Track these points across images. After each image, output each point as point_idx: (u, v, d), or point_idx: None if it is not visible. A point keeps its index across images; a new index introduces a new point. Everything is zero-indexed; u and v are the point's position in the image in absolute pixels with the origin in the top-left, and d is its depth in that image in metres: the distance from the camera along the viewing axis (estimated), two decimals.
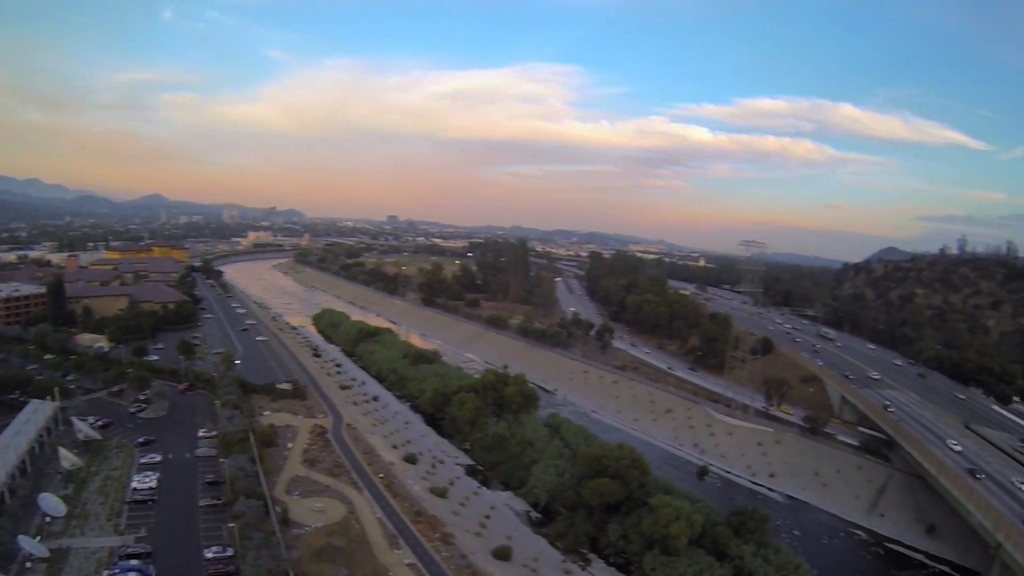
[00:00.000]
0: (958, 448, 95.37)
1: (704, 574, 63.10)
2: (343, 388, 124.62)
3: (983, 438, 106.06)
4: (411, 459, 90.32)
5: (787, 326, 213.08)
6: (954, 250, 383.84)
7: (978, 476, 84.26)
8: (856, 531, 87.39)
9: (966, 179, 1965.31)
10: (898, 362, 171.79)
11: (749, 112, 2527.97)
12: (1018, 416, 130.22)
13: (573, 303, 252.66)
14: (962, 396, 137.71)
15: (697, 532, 65.59)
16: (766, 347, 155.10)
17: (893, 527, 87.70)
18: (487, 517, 76.09)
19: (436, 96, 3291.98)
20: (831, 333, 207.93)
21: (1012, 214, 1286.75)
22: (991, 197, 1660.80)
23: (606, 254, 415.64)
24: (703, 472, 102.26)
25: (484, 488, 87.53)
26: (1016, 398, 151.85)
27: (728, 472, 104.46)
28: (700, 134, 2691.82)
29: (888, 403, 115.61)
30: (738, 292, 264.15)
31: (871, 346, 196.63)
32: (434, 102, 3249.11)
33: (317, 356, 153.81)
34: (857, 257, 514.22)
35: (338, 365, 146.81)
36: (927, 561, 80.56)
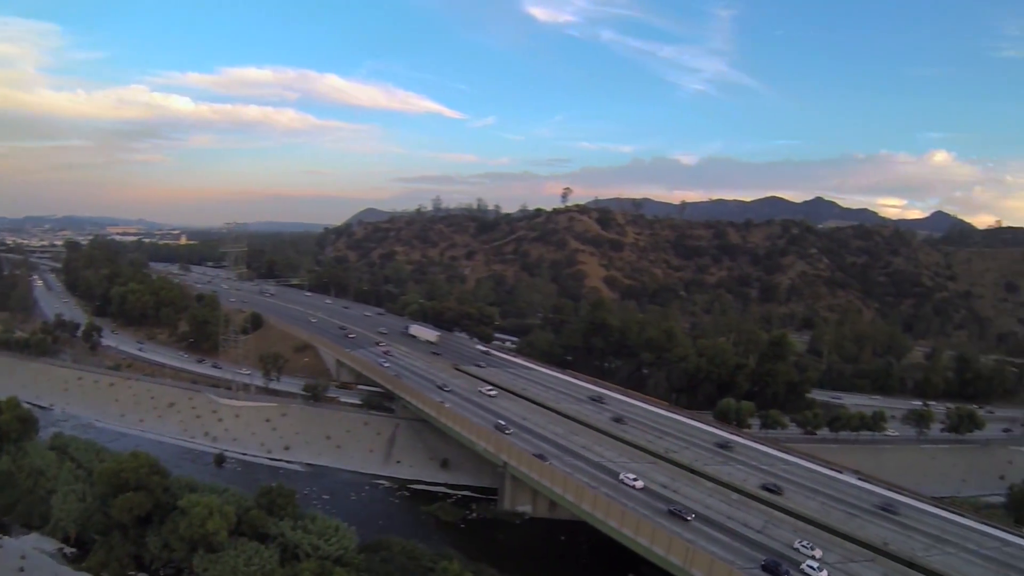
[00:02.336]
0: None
1: (254, 560, 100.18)
2: None
3: (471, 376, 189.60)
4: None
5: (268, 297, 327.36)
6: (430, 208, 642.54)
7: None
8: (379, 481, 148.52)
9: (442, 143, 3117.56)
10: (390, 320, 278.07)
11: (234, 81, 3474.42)
12: (500, 351, 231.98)
13: (55, 302, 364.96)
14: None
15: (233, 522, 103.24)
16: (256, 322, 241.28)
17: (411, 470, 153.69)
18: (21, 570, 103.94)
19: None
20: (271, 289, 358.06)
21: (482, 173, 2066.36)
22: (464, 159, 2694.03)
23: (84, 241, 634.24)
24: (220, 460, 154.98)
25: (6, 537, 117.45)
26: (497, 335, 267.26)
27: (244, 454, 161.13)
28: (182, 104, 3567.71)
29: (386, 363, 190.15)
30: (222, 268, 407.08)
31: (368, 312, 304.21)
32: None
33: None
34: (339, 220, 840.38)
35: None
36: (450, 491, 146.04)
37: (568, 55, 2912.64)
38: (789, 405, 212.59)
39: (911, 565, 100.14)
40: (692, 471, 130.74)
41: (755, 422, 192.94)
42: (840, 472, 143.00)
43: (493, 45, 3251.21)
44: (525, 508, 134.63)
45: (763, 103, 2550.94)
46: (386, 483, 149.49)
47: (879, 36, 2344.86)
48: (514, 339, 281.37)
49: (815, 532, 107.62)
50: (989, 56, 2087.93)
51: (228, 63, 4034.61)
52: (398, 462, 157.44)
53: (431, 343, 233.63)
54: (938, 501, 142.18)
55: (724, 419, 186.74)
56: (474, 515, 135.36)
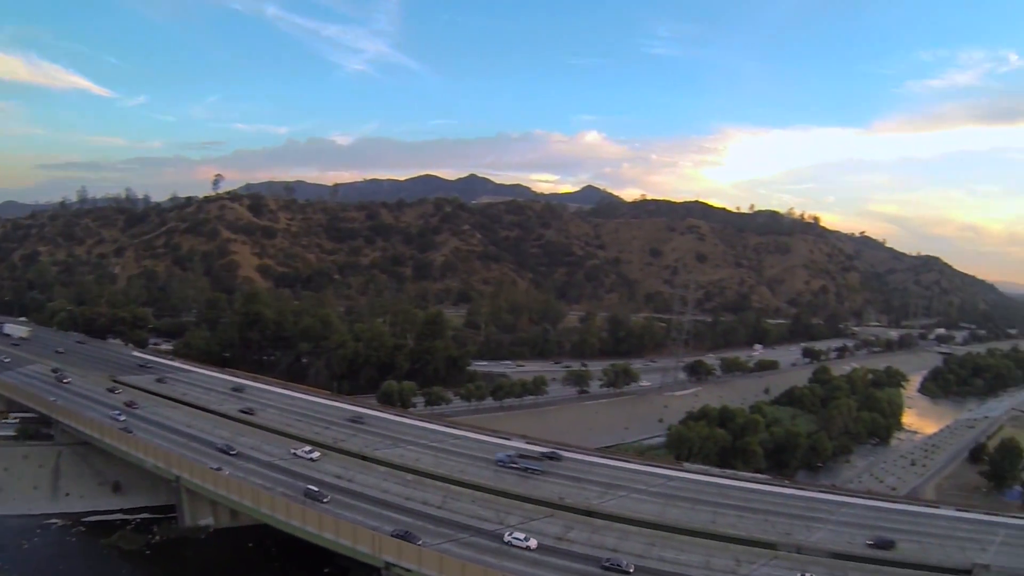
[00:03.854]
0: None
1: None
2: None
3: (131, 386, 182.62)
4: None
5: None
6: (75, 200, 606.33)
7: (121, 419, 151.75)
8: (52, 521, 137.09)
9: (89, 124, 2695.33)
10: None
11: None
12: (157, 355, 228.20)
13: None
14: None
15: None
16: None
17: (82, 501, 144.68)
18: None
19: None
20: None
21: (132, 158, 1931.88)
22: (113, 142, 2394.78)
23: None
24: None
25: None
26: (153, 339, 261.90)
27: None
28: None
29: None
30: None
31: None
32: None
33: None
34: None
35: None
36: (128, 517, 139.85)
37: (229, 30, 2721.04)
38: (451, 380, 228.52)
39: (590, 513, 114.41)
40: (363, 457, 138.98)
41: (419, 400, 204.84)
42: (509, 439, 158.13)
43: (150, 14, 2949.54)
44: (207, 521, 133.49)
45: (422, 84, 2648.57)
46: (59, 521, 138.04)
47: (540, 27, 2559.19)
48: (171, 340, 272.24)
49: (493, 499, 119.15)
50: (641, 52, 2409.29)
51: None
52: (67, 495, 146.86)
53: (23, 338, 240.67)
54: (604, 451, 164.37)
55: (388, 401, 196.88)
56: (157, 538, 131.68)
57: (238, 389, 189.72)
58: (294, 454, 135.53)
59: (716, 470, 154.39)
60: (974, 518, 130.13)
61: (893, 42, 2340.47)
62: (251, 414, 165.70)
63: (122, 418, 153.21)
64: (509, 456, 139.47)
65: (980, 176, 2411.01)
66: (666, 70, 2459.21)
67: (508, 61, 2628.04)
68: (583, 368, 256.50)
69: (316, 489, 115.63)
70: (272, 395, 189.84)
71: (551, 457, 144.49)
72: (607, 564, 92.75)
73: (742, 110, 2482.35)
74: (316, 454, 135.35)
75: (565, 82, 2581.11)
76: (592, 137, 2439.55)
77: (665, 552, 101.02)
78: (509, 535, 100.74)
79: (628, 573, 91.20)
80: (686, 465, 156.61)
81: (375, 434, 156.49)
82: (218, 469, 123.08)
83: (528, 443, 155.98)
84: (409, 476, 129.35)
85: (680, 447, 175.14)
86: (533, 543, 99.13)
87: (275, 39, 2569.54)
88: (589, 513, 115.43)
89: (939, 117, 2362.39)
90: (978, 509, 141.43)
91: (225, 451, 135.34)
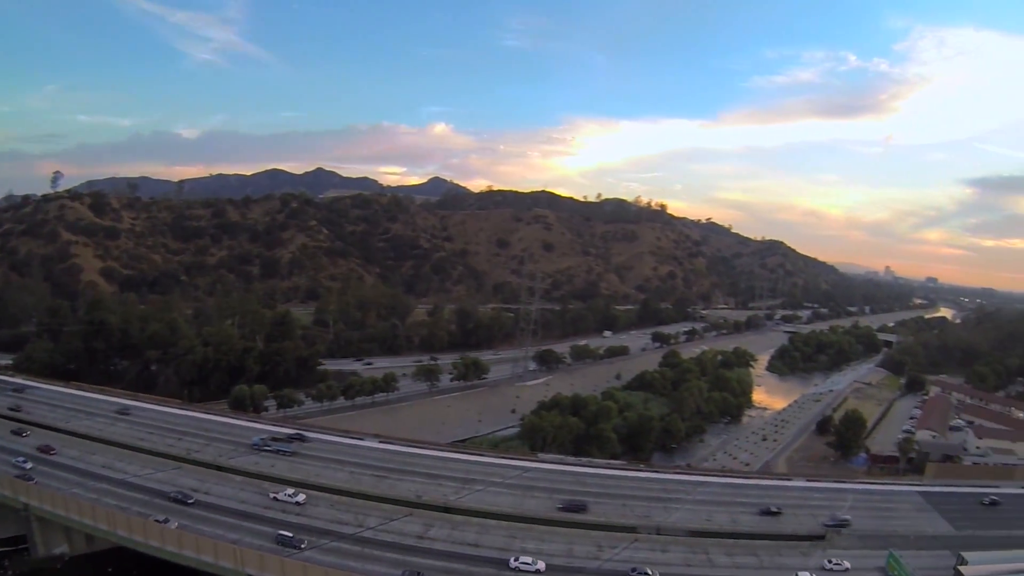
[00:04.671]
0: None
1: None
2: None
3: None
4: None
5: None
6: None
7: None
8: None
9: None
10: None
11: None
12: None
13: None
14: None
15: None
16: None
17: None
18: None
19: None
20: None
21: None
22: None
23: None
24: None
25: None
26: None
27: None
28: None
29: None
30: None
31: None
32: None
33: None
34: None
35: None
36: None
37: (70, 12, 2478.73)
38: (302, 380, 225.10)
39: (448, 510, 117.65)
40: (219, 468, 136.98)
41: (271, 404, 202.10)
42: (362, 439, 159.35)
43: None
44: (62, 549, 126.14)
45: (271, 75, 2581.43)
46: None
47: (391, 17, 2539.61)
48: (11, 354, 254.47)
49: (350, 501, 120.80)
50: (492, 43, 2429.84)
51: None
52: None
53: None
54: (458, 444, 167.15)
55: (240, 406, 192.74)
56: (9, 573, 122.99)
57: (18, 390, 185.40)
58: (274, 498, 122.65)
59: (571, 458, 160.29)
60: (824, 486, 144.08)
61: (741, 40, 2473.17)
62: (18, 411, 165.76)
63: (28, 465, 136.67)
64: (263, 439, 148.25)
65: (821, 166, 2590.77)
66: (517, 62, 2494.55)
67: (357, 51, 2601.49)
68: (432, 362, 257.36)
69: (291, 535, 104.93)
70: (55, 394, 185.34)
71: (298, 438, 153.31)
72: (633, 574, 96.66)
73: (591, 102, 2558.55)
74: (301, 497, 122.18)
75: (414, 73, 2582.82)
76: (440, 129, 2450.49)
77: (527, 543, 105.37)
78: (515, 561, 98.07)
79: None
80: (541, 455, 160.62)
81: (226, 441, 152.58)
82: (164, 521, 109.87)
83: (277, 426, 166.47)
84: (265, 484, 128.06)
85: (534, 437, 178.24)
86: (541, 565, 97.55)
87: (119, 24, 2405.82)
88: (447, 509, 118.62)
89: (783, 110, 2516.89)
90: (827, 478, 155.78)
91: (181, 500, 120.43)
